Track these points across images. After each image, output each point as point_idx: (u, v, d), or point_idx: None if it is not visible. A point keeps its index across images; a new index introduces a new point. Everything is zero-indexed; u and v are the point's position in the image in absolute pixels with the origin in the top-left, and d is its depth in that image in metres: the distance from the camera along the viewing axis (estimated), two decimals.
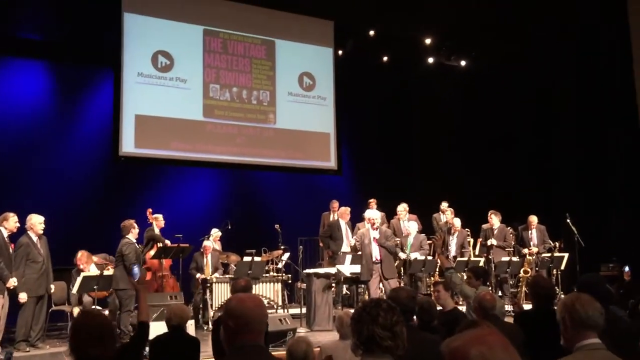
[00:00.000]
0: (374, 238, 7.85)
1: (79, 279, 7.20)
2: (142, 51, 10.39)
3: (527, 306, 5.63)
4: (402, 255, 8.84)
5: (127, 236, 7.43)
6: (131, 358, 2.97)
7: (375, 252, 7.82)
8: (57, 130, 10.10)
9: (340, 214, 9.75)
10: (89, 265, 8.06)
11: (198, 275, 8.69)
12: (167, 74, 10.61)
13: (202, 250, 8.94)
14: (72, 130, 10.27)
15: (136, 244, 7.53)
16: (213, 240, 9.35)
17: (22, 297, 6.67)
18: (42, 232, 6.99)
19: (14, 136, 9.52)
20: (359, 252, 8.31)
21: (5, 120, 9.56)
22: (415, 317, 3.97)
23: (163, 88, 10.53)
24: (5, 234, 6.74)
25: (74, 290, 7.30)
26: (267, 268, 8.94)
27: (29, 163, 9.58)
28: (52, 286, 7.19)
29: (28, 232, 6.94)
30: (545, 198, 11.94)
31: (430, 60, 12.87)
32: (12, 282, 6.58)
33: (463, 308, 5.51)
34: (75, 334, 2.44)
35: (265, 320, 2.26)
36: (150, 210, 9.01)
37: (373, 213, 8.34)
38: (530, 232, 9.92)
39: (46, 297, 7.02)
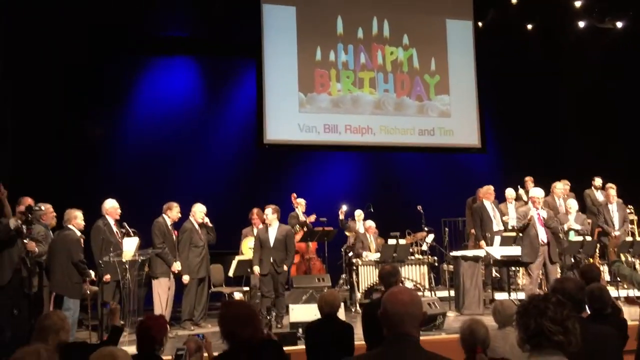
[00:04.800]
0: (540, 218, 7.40)
1: (234, 263, 7.62)
2: (281, 40, 10.69)
3: None
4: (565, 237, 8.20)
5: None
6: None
7: (542, 234, 7.38)
8: (207, 122, 10.71)
9: (484, 195, 9.24)
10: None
11: (365, 254, 8.67)
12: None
13: (365, 230, 9.12)
14: (219, 121, 10.83)
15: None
16: (357, 220, 9.46)
17: (186, 279, 7.21)
18: (202, 220, 7.46)
19: (169, 131, 10.23)
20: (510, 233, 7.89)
21: (161, 116, 10.30)
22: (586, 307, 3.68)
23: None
24: (169, 222, 7.30)
25: (230, 272, 7.71)
26: (411, 250, 8.85)
27: (184, 155, 10.27)
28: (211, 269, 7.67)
29: (190, 218, 7.46)
30: None
31: (582, 24, 11.80)
32: (177, 266, 7.14)
33: None
34: (224, 322, 2.75)
35: (419, 312, 2.25)
36: (295, 195, 9.28)
37: (537, 192, 7.72)
38: None
39: (207, 279, 7.50)
